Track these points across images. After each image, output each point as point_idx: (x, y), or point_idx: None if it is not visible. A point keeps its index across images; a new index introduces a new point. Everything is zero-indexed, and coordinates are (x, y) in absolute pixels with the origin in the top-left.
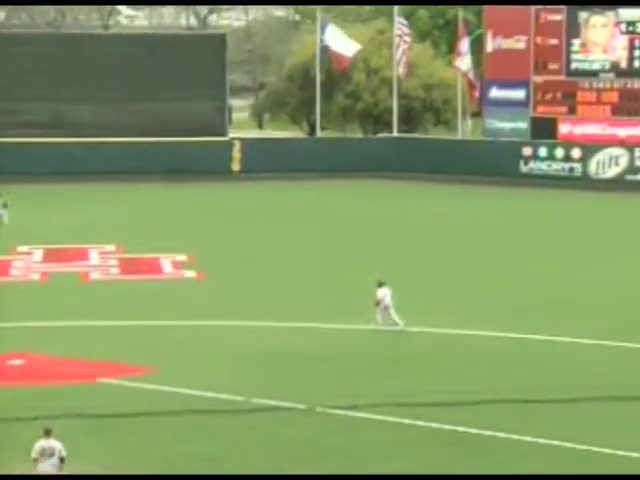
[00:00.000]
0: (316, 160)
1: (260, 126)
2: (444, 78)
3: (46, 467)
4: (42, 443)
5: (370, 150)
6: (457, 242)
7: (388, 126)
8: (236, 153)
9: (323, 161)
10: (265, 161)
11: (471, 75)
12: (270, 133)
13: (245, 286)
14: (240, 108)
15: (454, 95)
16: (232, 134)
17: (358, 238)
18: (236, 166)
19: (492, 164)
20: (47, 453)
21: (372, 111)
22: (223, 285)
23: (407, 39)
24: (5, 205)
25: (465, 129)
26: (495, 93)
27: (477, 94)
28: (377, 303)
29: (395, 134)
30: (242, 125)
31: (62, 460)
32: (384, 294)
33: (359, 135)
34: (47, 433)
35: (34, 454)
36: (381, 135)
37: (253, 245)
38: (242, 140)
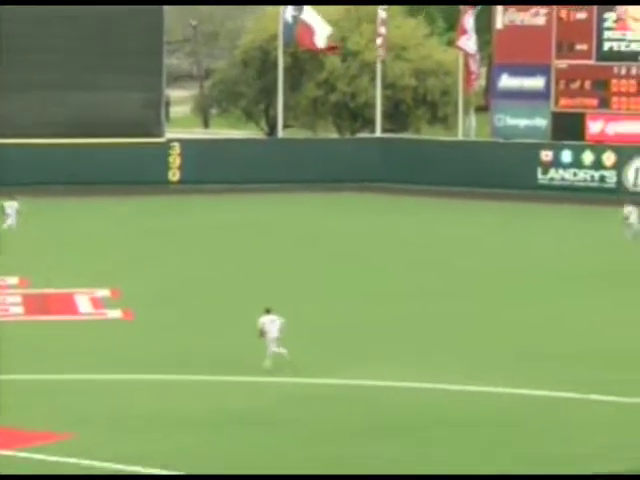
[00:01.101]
0: (277, 168)
1: (206, 124)
2: (441, 62)
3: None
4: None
5: (347, 155)
6: (453, 273)
7: (370, 124)
8: (174, 159)
9: (286, 169)
10: (212, 169)
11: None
12: (218, 133)
13: (184, 327)
14: (180, 100)
15: (454, 84)
16: (169, 134)
17: (328, 267)
18: (174, 175)
19: (502, 172)
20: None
21: (350, 104)
22: (157, 327)
23: (382, 14)
24: (16, 211)
25: (468, 128)
26: (506, 82)
27: (474, 83)
28: (261, 334)
29: (379, 134)
30: (182, 122)
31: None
32: (265, 322)
33: (333, 135)
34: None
35: None
36: (361, 135)
37: (194, 275)
38: (182, 142)
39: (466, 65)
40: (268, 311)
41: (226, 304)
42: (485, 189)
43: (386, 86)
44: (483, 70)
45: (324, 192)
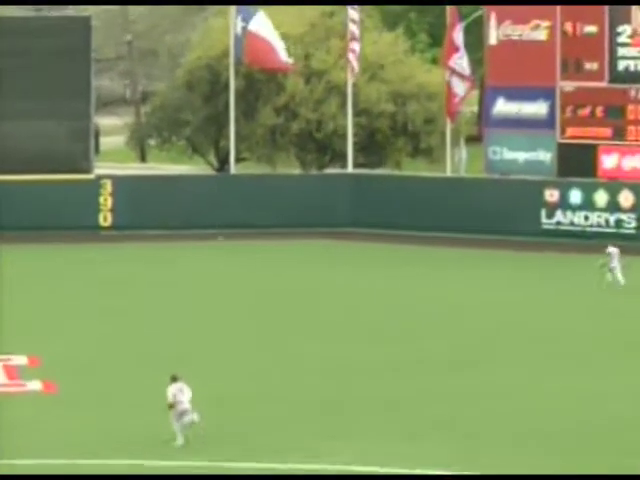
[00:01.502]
0: (228, 210)
1: (143, 157)
2: (425, 84)
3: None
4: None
5: (312, 194)
6: (441, 344)
7: (340, 157)
8: (105, 199)
9: (239, 211)
10: (150, 211)
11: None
12: (158, 168)
13: (117, 401)
14: (112, 130)
15: (440, 110)
16: (99, 170)
17: (284, 333)
18: (105, 219)
19: (499, 215)
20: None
21: (315, 134)
22: (84, 400)
23: (354, 27)
24: None
25: (458, 162)
26: (502, 107)
27: (457, 107)
28: (171, 406)
29: (350, 170)
30: (115, 156)
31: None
32: (175, 392)
33: (295, 171)
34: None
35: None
36: (329, 171)
37: (124, 339)
38: (114, 179)
39: (447, 85)
40: (175, 379)
41: (158, 372)
42: (478, 235)
43: (359, 112)
44: (474, 93)
45: (284, 239)
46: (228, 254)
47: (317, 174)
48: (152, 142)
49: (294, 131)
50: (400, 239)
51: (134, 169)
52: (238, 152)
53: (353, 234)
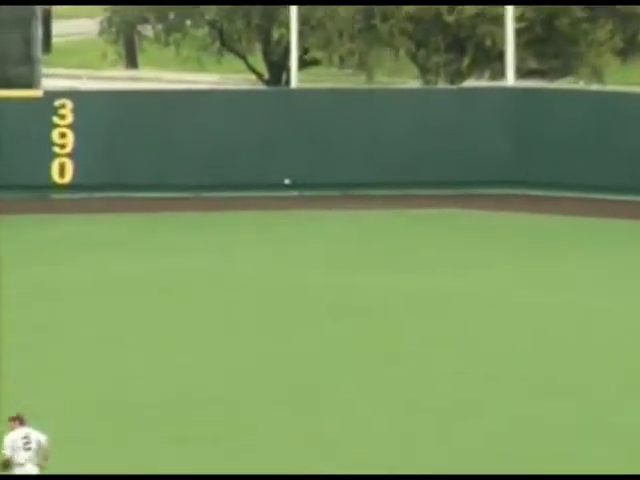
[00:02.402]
0: (289, 153)
1: (131, 59)
2: None
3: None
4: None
5: (441, 125)
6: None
7: (492, 60)
8: (62, 135)
9: (308, 155)
10: (143, 158)
11: None
12: (158, 79)
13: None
14: (75, 11)
15: None
16: (51, 81)
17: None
18: (62, 172)
19: None
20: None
21: (445, 18)
22: None
23: None
24: None
25: None
26: None
27: None
28: (5, 465)
29: (511, 82)
30: (83, 56)
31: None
32: (15, 442)
33: (411, 84)
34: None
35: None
36: (473, 84)
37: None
38: (78, 98)
39: None
40: (20, 421)
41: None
42: None
43: None
44: None
45: (389, 205)
46: (275, 226)
47: (449, 89)
48: (148, 31)
49: (406, 13)
50: (600, 207)
51: (115, 80)
52: (303, 50)
53: (514, 199)
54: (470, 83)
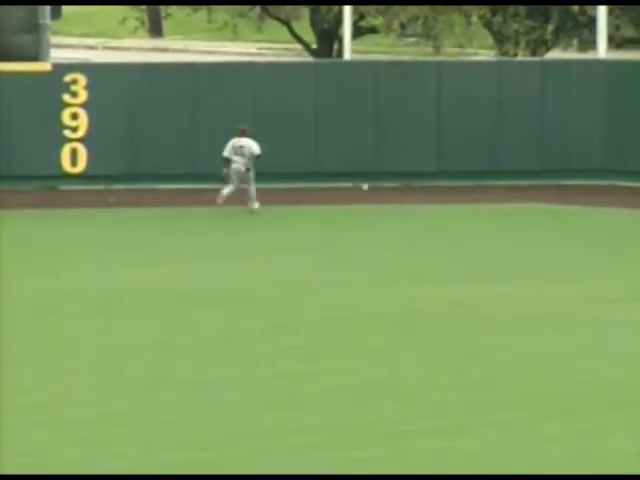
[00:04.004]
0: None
1: (156, 27)
2: None
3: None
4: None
5: (520, 103)
6: None
7: (579, 27)
8: (73, 116)
9: (368, 138)
10: (169, 144)
11: None
12: (187, 49)
13: None
14: None
15: None
16: (61, 52)
17: None
18: (74, 160)
19: None
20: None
21: None
22: None
23: None
24: None
25: None
26: None
27: None
28: (226, 160)
29: (602, 54)
30: (98, 25)
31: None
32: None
33: (485, 54)
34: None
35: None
36: (557, 56)
37: None
38: (92, 72)
39: None
40: (243, 132)
41: None
42: None
43: None
44: None
45: (463, 199)
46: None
47: (530, 61)
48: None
49: None
50: None
51: (137, 51)
52: (359, 16)
53: (606, 190)
54: (555, 55)
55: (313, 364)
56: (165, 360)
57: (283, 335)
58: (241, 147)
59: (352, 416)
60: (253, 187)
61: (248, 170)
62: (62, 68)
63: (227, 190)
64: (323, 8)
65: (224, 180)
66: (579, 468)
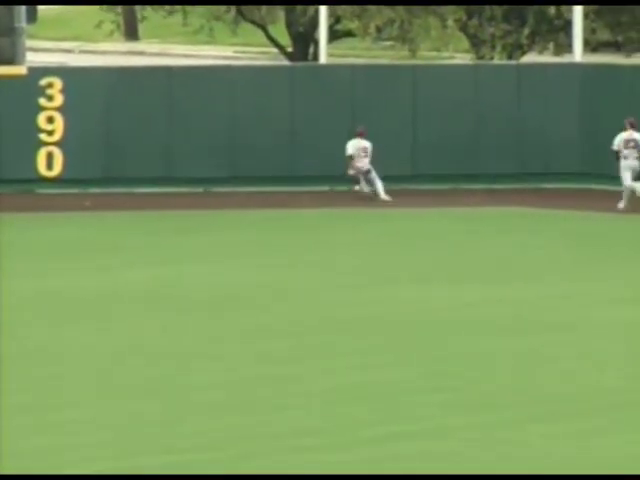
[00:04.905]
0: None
1: (131, 31)
2: None
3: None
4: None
5: (497, 106)
6: None
7: (554, 31)
8: (49, 119)
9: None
10: (145, 147)
11: None
12: (164, 52)
13: None
14: None
15: None
16: (37, 56)
17: None
18: (50, 164)
19: None
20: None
21: None
22: None
23: None
24: None
25: None
26: None
27: None
28: (351, 157)
29: (578, 57)
30: (74, 28)
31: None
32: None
33: (458, 59)
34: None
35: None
36: (533, 60)
37: None
38: (68, 75)
39: None
40: (360, 134)
41: None
42: None
43: None
44: None
45: (441, 203)
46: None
47: (506, 65)
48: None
49: None
50: None
51: (113, 55)
52: (334, 19)
53: (582, 194)
54: (531, 58)
55: (295, 367)
56: (147, 364)
57: (265, 338)
58: (365, 148)
59: (333, 418)
60: (379, 183)
61: (369, 171)
62: (38, 72)
63: (367, 187)
64: (298, 9)
65: (355, 180)
66: (562, 469)
